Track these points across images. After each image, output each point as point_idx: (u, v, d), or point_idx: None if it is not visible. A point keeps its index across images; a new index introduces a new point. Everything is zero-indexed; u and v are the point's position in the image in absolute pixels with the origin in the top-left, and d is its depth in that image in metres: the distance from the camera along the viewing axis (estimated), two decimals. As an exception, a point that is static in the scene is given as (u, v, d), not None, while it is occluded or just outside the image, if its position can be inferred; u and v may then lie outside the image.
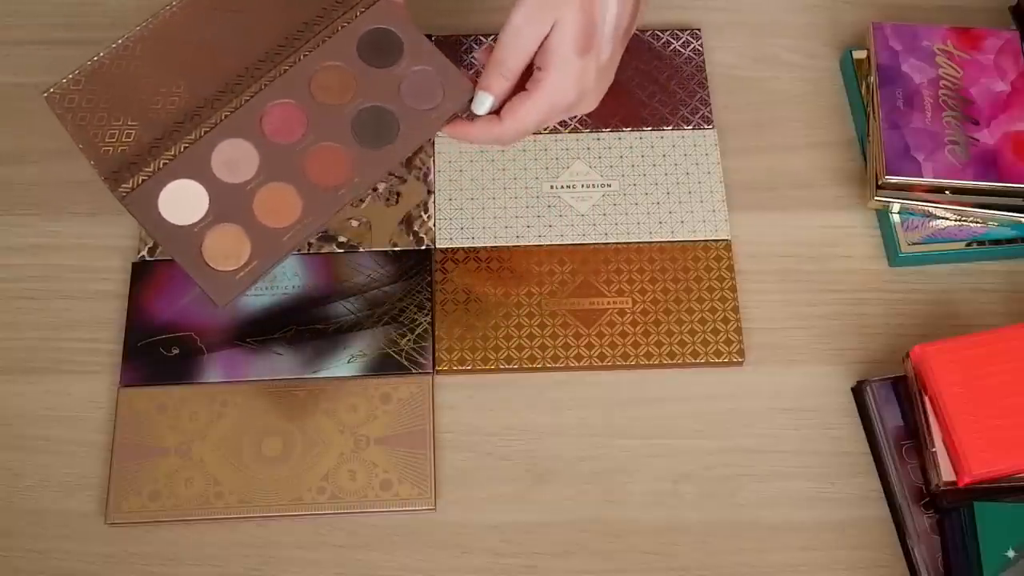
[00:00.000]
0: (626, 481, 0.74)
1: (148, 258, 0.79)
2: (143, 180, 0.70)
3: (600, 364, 0.76)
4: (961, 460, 0.69)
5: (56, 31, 0.89)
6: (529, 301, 0.78)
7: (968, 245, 0.80)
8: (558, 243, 0.80)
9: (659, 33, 0.88)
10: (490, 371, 0.76)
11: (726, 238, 0.80)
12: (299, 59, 0.73)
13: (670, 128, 0.84)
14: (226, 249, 0.70)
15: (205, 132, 0.71)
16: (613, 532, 0.72)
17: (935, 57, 0.82)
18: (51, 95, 0.65)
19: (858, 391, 0.76)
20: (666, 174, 0.82)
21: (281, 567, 0.72)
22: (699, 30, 0.88)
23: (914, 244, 0.80)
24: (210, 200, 0.70)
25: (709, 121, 0.84)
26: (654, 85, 0.86)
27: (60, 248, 0.81)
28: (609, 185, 0.82)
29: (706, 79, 0.86)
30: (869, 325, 0.78)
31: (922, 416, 0.72)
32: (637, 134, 0.84)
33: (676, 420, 0.76)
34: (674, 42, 0.87)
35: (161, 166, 0.70)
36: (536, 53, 0.70)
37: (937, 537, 0.71)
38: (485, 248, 0.79)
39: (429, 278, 0.79)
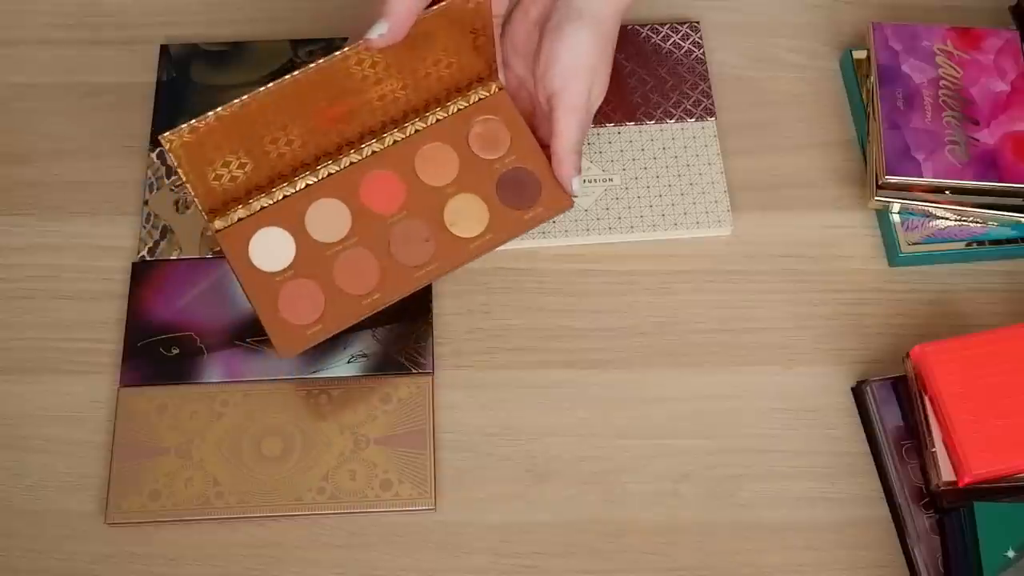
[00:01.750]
0: (626, 481, 0.74)
1: (148, 258, 0.79)
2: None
3: None
4: (961, 460, 0.69)
5: (56, 31, 0.89)
6: None
7: (968, 245, 0.80)
8: (563, 240, 0.81)
9: (658, 27, 0.88)
10: (490, 369, 0.76)
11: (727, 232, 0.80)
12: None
13: (672, 121, 0.84)
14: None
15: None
16: (613, 532, 0.72)
17: (935, 57, 0.82)
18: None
19: (858, 391, 0.76)
20: (667, 167, 0.82)
21: (281, 567, 0.72)
22: (698, 23, 0.88)
23: (914, 244, 0.80)
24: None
25: (712, 113, 0.84)
26: (655, 79, 0.86)
27: (60, 248, 0.81)
28: (611, 180, 0.82)
29: (707, 71, 0.86)
30: (869, 325, 0.78)
31: (922, 416, 0.72)
32: (636, 128, 0.84)
33: (676, 420, 0.76)
34: (673, 35, 0.87)
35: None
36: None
37: (937, 537, 0.71)
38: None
39: (429, 278, 0.79)
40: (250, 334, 0.77)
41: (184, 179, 0.67)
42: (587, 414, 0.76)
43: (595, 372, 0.77)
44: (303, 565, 0.72)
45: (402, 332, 0.77)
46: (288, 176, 0.73)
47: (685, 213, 0.81)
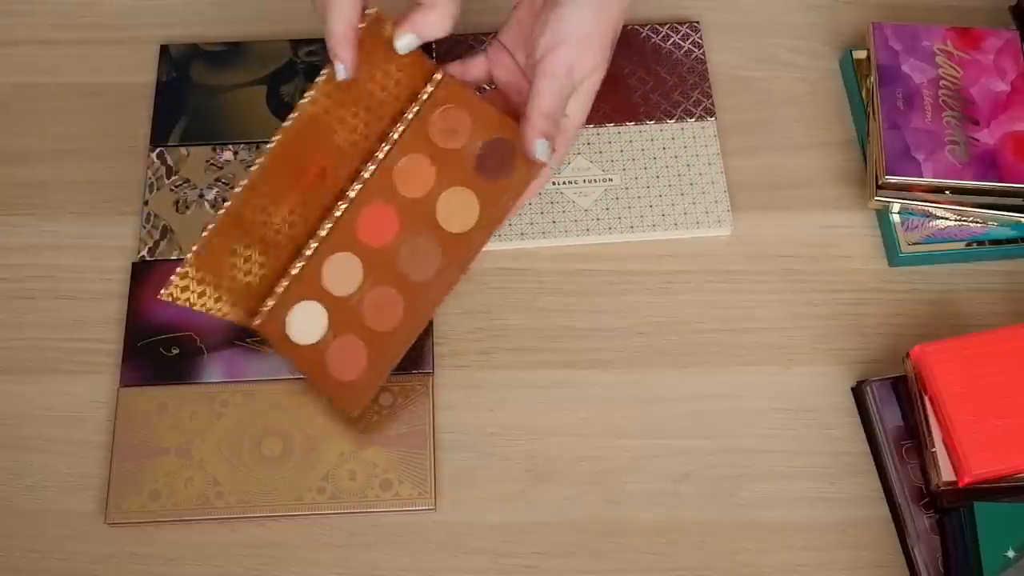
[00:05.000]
0: (626, 481, 0.74)
1: (148, 258, 0.79)
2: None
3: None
4: (961, 460, 0.69)
5: (56, 31, 0.89)
6: None
7: (968, 245, 0.80)
8: (563, 240, 0.81)
9: (658, 27, 0.88)
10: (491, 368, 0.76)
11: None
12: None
13: (672, 121, 0.84)
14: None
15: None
16: (613, 532, 0.72)
17: (935, 57, 0.82)
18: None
19: (858, 391, 0.76)
20: (667, 167, 0.82)
21: (281, 567, 0.72)
22: (697, 23, 0.88)
23: (914, 244, 0.80)
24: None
25: (711, 113, 0.84)
26: (655, 79, 0.86)
27: (60, 248, 0.81)
28: (610, 180, 0.82)
29: (707, 71, 0.86)
30: (869, 325, 0.78)
31: (922, 416, 0.72)
32: (636, 128, 0.84)
33: (676, 420, 0.76)
34: (673, 35, 0.87)
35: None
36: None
37: (937, 537, 0.71)
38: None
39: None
40: (250, 334, 0.77)
41: (215, 294, 0.70)
42: (587, 414, 0.76)
43: (595, 372, 0.77)
44: (303, 565, 0.72)
45: (402, 332, 0.77)
46: (296, 251, 0.74)
47: (685, 213, 0.81)
